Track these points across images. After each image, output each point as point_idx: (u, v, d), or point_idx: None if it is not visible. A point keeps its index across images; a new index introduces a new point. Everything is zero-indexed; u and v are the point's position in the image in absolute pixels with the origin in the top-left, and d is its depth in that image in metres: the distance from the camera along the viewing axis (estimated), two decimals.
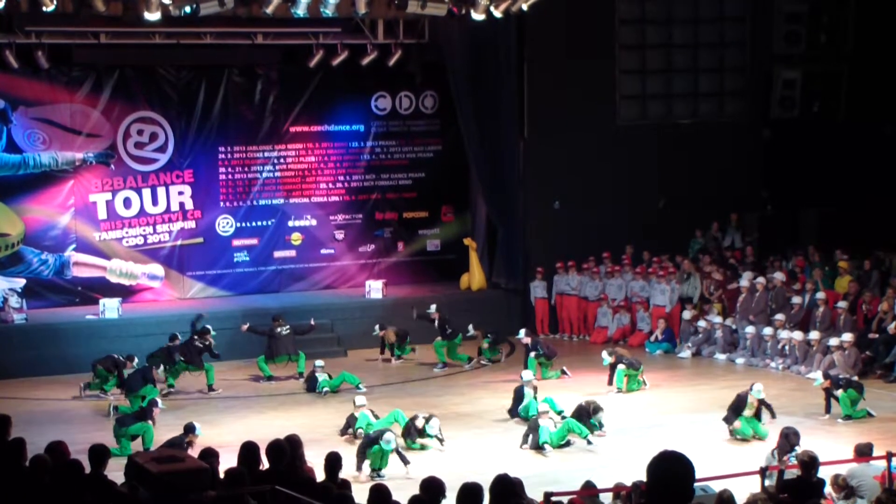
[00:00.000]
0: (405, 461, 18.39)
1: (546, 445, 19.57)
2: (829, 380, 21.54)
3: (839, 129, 31.23)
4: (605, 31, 30.39)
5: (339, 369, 24.88)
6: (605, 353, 24.23)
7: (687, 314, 27.78)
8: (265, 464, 11.26)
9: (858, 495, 14.43)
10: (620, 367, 23.87)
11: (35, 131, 28.03)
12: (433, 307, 26.88)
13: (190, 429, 19.35)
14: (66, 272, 28.57)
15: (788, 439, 16.73)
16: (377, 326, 27.18)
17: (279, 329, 25.79)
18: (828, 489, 14.33)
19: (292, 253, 30.56)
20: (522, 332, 25.58)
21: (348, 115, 30.70)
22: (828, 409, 21.45)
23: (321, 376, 24.29)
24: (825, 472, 13.98)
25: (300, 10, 23.57)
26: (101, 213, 28.89)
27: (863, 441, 16.01)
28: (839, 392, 21.29)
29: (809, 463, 13.32)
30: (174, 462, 9.65)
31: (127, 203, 29.11)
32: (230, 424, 21.75)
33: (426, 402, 22.46)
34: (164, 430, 20.69)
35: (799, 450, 15.71)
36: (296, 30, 28.07)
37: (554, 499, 13.46)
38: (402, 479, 17.49)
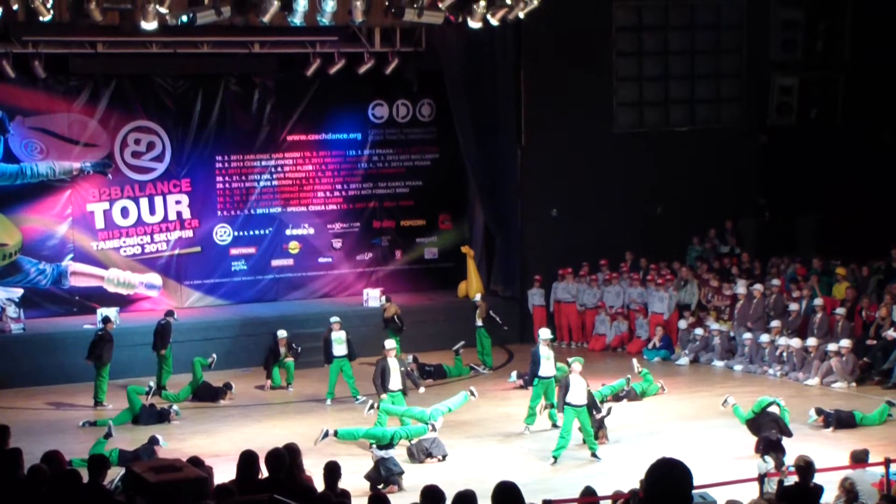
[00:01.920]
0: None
1: (556, 459, 19.52)
2: (822, 416, 21.44)
3: (836, 136, 31.24)
4: (602, 38, 30.42)
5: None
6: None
7: (682, 323, 27.75)
8: (264, 472, 11.25)
9: (861, 502, 14.43)
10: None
11: (32, 141, 28.03)
12: (409, 358, 26.57)
13: (154, 441, 19.74)
14: (64, 282, 28.55)
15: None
16: (383, 298, 27.17)
17: (281, 348, 26.03)
18: (833, 493, 14.35)
19: (290, 261, 30.55)
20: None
21: (345, 123, 30.71)
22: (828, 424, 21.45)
23: (336, 335, 24.36)
24: (823, 479, 13.95)
25: (297, 19, 23.58)
26: (99, 223, 28.88)
27: (859, 447, 16.02)
28: (830, 430, 21.17)
29: (806, 468, 13.32)
30: (172, 471, 9.63)
31: (124, 212, 29.11)
32: (228, 433, 21.75)
33: None
34: (155, 430, 20.76)
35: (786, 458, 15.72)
36: (292, 38, 28.09)
37: None
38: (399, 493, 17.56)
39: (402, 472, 18.55)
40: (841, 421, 21.24)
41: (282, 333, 26.03)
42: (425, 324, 28.13)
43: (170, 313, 25.76)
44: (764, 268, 28.90)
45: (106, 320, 25.04)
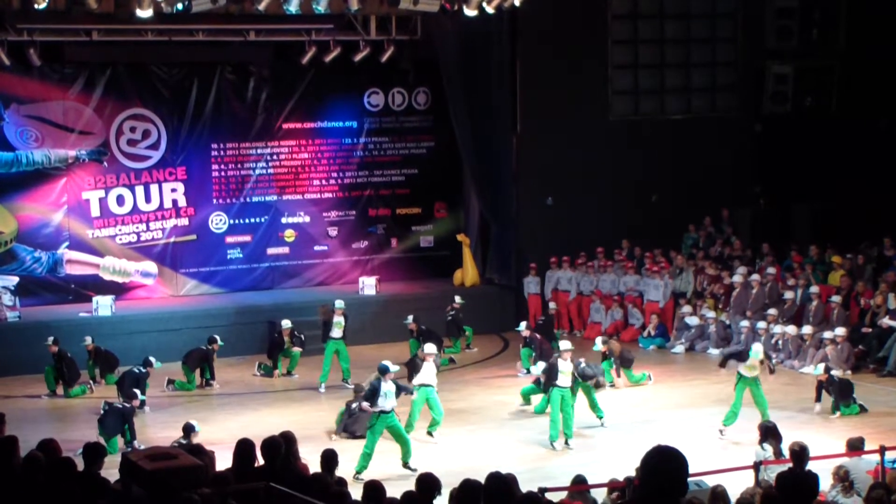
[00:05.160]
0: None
1: (553, 443, 19.63)
2: (826, 374, 21.59)
3: (831, 124, 31.25)
4: (598, 26, 30.41)
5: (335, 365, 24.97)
6: (598, 340, 24.00)
7: (687, 309, 27.68)
8: (260, 461, 11.27)
9: (856, 490, 14.46)
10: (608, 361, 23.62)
11: (27, 129, 28.00)
12: (410, 318, 26.65)
13: (189, 429, 19.22)
14: (60, 270, 28.54)
15: (770, 431, 16.77)
16: (410, 317, 26.68)
17: (285, 338, 26.05)
18: (829, 481, 14.38)
19: (285, 250, 30.55)
20: (523, 325, 25.40)
21: (341, 111, 30.68)
22: (818, 400, 21.55)
23: (337, 320, 24.51)
24: (819, 467, 13.99)
25: (292, 7, 23.57)
26: (94, 211, 28.86)
27: (855, 435, 16.05)
28: (831, 399, 21.37)
29: (800, 452, 13.37)
30: (168, 459, 9.61)
31: (120, 200, 29.09)
32: (224, 422, 21.73)
33: None
34: (158, 427, 20.75)
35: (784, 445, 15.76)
36: (288, 26, 28.07)
37: (547, 494, 13.47)
38: (397, 478, 17.56)
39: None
40: (842, 390, 21.51)
41: (286, 324, 26.01)
42: (413, 312, 28.06)
43: (212, 340, 25.28)
44: (755, 256, 28.93)
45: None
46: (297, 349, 25.86)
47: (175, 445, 18.64)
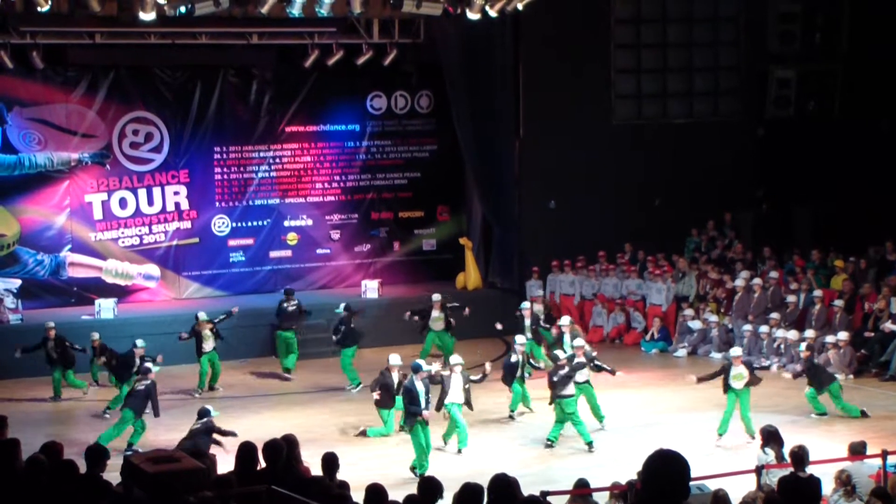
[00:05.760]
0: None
1: (551, 441, 19.80)
2: (809, 351, 21.79)
3: (834, 128, 31.24)
4: (601, 30, 30.43)
5: (336, 368, 24.98)
6: (566, 319, 24.05)
7: (689, 313, 27.65)
8: (262, 464, 11.27)
9: (858, 495, 14.45)
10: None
11: (30, 132, 28.01)
12: (437, 296, 26.27)
13: (204, 413, 19.09)
14: (62, 272, 28.54)
15: (772, 436, 16.78)
16: (437, 295, 26.58)
17: (286, 304, 26.19)
18: (831, 485, 14.37)
19: (288, 253, 30.55)
20: (525, 304, 25.30)
21: (344, 114, 30.69)
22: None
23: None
24: (821, 471, 13.99)
25: (295, 10, 23.59)
26: (97, 214, 28.87)
27: (857, 440, 16.04)
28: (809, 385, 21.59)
29: (799, 454, 13.37)
30: (170, 462, 9.62)
31: (122, 203, 29.09)
32: (226, 425, 21.68)
33: None
34: (161, 430, 20.70)
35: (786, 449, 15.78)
36: (291, 30, 28.06)
37: (550, 498, 13.47)
38: (403, 482, 17.56)
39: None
40: (818, 377, 21.58)
41: (291, 292, 26.51)
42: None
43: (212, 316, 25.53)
44: (756, 259, 28.89)
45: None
46: (293, 346, 25.88)
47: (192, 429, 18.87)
